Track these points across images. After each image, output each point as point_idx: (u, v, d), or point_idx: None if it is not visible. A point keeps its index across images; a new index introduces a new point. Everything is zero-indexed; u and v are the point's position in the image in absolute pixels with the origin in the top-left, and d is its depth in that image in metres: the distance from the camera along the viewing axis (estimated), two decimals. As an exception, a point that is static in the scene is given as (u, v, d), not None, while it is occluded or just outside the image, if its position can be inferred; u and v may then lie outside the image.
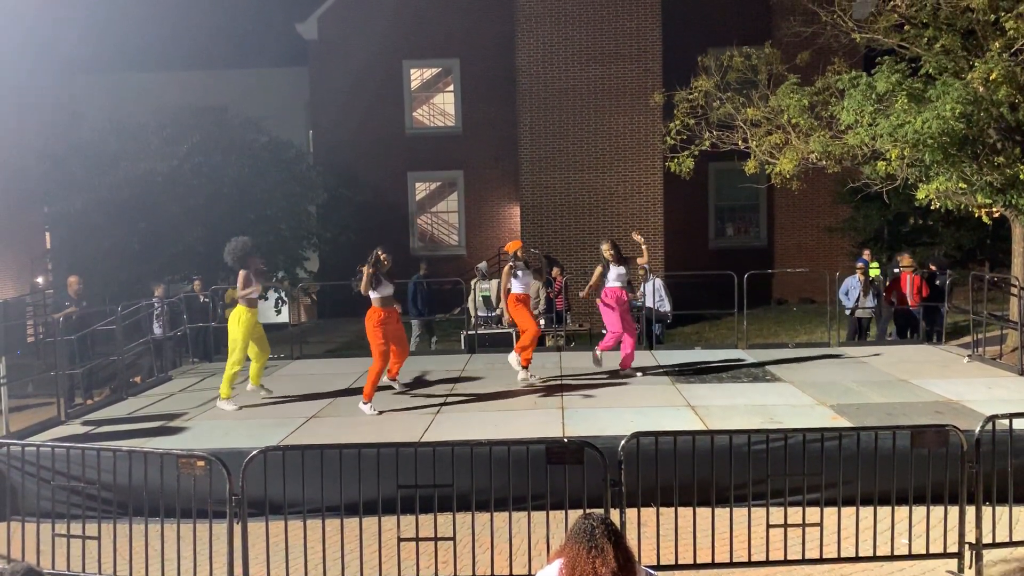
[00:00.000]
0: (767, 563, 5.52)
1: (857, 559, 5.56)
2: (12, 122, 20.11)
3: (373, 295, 8.70)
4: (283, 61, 24.62)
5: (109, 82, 24.03)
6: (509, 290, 9.57)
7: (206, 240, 18.45)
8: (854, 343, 13.19)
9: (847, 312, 13.83)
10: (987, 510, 5.70)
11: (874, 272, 14.71)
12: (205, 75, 23.98)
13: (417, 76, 23.41)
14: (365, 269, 8.65)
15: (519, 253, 9.57)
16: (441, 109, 23.58)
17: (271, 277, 18.39)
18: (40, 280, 22.04)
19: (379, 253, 8.79)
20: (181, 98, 21.47)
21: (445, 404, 9.01)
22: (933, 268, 13.85)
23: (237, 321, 8.96)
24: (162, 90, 22.69)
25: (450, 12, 22.64)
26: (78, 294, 12.39)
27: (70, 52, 23.25)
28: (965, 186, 11.35)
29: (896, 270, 14.10)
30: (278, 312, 19.91)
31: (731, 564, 5.53)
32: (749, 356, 11.52)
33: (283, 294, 19.10)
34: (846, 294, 13.81)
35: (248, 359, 9.27)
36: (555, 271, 15.69)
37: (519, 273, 9.54)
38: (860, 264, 13.90)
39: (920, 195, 12.05)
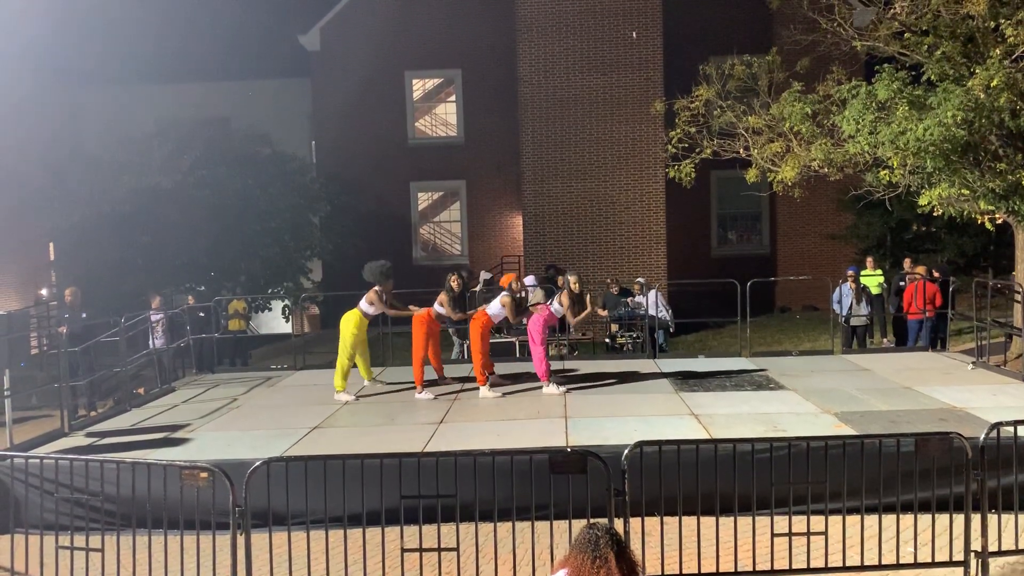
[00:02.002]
0: (772, 572, 5.50)
1: (862, 568, 5.54)
2: (14, 134, 20.19)
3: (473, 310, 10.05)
4: (285, 72, 24.73)
5: (111, 94, 24.12)
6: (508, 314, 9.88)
7: (210, 252, 18.50)
8: (853, 350, 13.17)
9: (841, 320, 13.80)
10: (993, 518, 5.68)
11: (877, 280, 14.68)
12: (207, 87, 24.09)
13: (419, 86, 23.49)
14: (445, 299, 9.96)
15: (514, 285, 9.94)
16: (443, 119, 23.65)
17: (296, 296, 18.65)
18: (44, 292, 22.09)
19: (454, 277, 10.19)
20: (183, 109, 21.56)
21: (448, 413, 9.01)
22: (937, 275, 13.82)
23: (351, 323, 9.92)
24: (164, 102, 22.79)
25: (451, 23, 22.73)
26: (74, 306, 12.39)
27: (72, 64, 23.37)
28: (967, 193, 11.34)
29: (902, 282, 14.06)
30: (287, 320, 19.97)
31: (736, 574, 5.52)
32: (752, 364, 11.50)
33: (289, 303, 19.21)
34: (838, 302, 13.78)
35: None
36: (560, 280, 15.72)
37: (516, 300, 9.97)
38: (850, 272, 13.88)
39: (922, 202, 12.03)
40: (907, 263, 15.22)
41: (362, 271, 10.14)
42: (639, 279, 15.27)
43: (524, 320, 10.14)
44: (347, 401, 9.83)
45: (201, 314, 13.97)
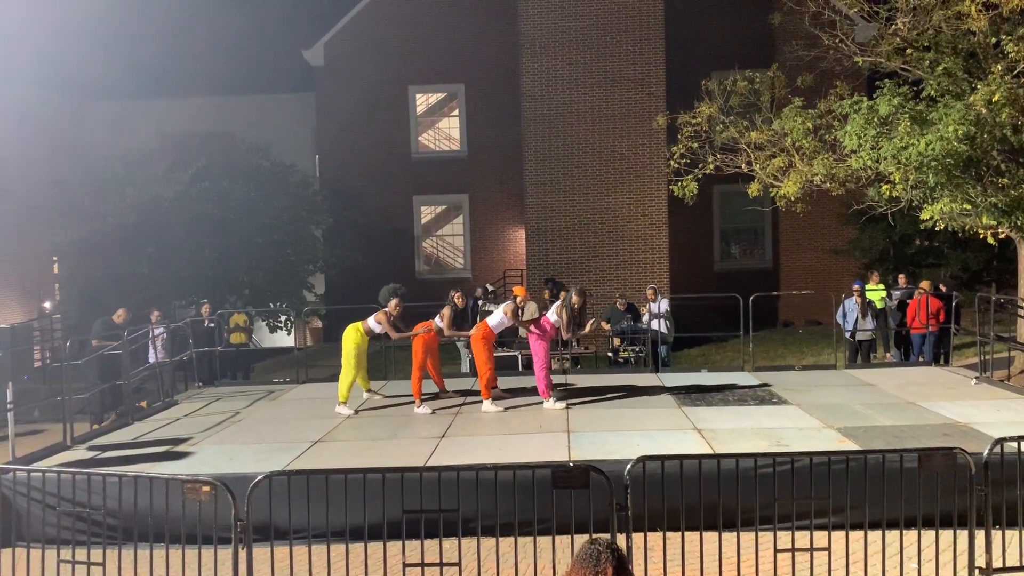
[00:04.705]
0: (775, 588, 5.47)
1: (866, 584, 5.51)
2: (19, 149, 20.29)
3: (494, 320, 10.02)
4: (290, 87, 24.86)
5: (116, 108, 24.24)
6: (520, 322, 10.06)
7: (214, 264, 18.53)
8: (858, 365, 13.14)
9: (846, 335, 13.78)
10: (997, 534, 5.65)
11: (880, 294, 14.67)
12: (212, 101, 24.21)
13: (423, 101, 23.60)
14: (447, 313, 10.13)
15: (517, 299, 10.06)
16: (446, 133, 23.75)
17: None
18: (47, 305, 22.14)
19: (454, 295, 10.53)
20: (188, 124, 21.66)
21: (450, 427, 9.00)
22: (943, 288, 13.81)
23: (353, 337, 10.09)
24: (169, 116, 22.90)
25: (455, 38, 22.86)
26: (122, 326, 12.80)
27: (77, 78, 23.51)
28: (969, 207, 11.35)
29: (908, 298, 14.04)
30: (289, 333, 20.03)
31: (739, 589, 5.49)
32: (755, 379, 11.48)
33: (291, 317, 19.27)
34: (843, 317, 13.74)
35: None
36: (563, 295, 15.74)
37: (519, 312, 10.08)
38: (856, 287, 13.86)
39: (925, 216, 12.04)
40: (902, 279, 15.23)
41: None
42: (652, 285, 15.30)
43: (524, 331, 10.17)
44: (348, 415, 9.83)
45: (212, 324, 14.02)
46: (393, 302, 9.99)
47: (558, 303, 9.93)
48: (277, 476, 5.74)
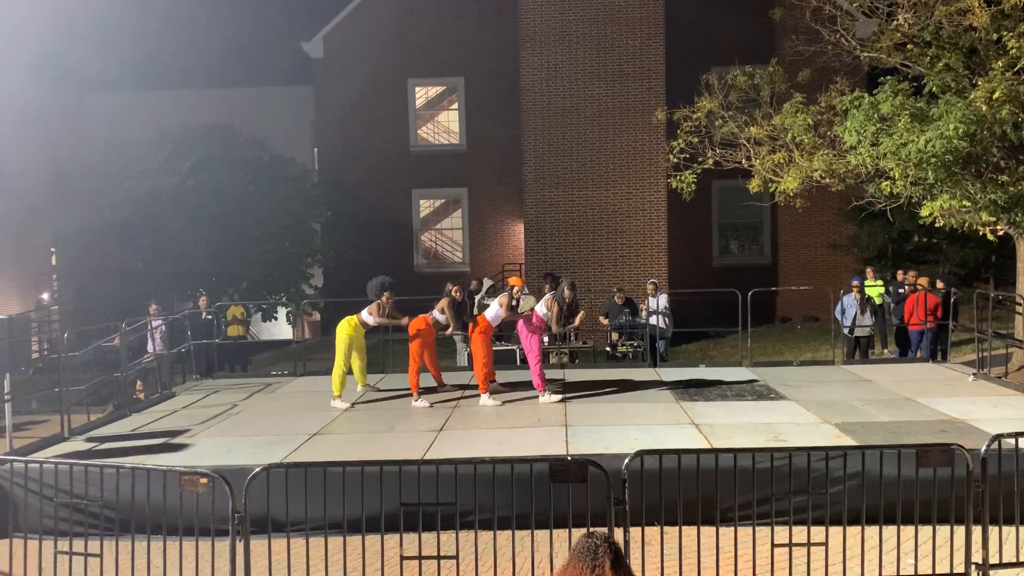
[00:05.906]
0: (772, 583, 5.48)
1: (863, 579, 5.52)
2: (18, 141, 20.22)
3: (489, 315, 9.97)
4: (288, 79, 24.79)
5: (114, 100, 24.17)
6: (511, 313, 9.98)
7: (211, 258, 18.50)
8: (855, 361, 13.14)
9: (844, 331, 13.78)
10: (994, 530, 5.66)
11: (878, 290, 14.67)
12: (211, 93, 24.14)
13: (422, 94, 23.55)
14: (447, 305, 9.98)
15: (514, 291, 10.03)
16: (445, 127, 23.70)
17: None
18: (45, 297, 22.11)
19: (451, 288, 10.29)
20: (187, 116, 21.59)
21: (448, 421, 9.00)
22: (941, 285, 13.81)
23: (346, 329, 10.05)
24: (167, 108, 22.81)
25: (455, 31, 22.80)
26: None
27: (75, 71, 23.42)
28: (969, 204, 11.35)
29: (901, 290, 14.04)
30: (294, 325, 20.03)
31: (736, 584, 5.49)
32: (753, 374, 11.49)
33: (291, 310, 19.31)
34: (842, 313, 13.74)
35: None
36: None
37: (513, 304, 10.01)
38: (855, 283, 13.85)
39: (924, 213, 12.04)
40: (900, 275, 15.23)
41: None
42: (652, 280, 15.30)
43: (515, 323, 10.13)
44: (344, 408, 9.82)
45: (209, 316, 14.03)
46: (385, 295, 9.98)
47: (548, 296, 9.93)
48: (275, 468, 5.74)
